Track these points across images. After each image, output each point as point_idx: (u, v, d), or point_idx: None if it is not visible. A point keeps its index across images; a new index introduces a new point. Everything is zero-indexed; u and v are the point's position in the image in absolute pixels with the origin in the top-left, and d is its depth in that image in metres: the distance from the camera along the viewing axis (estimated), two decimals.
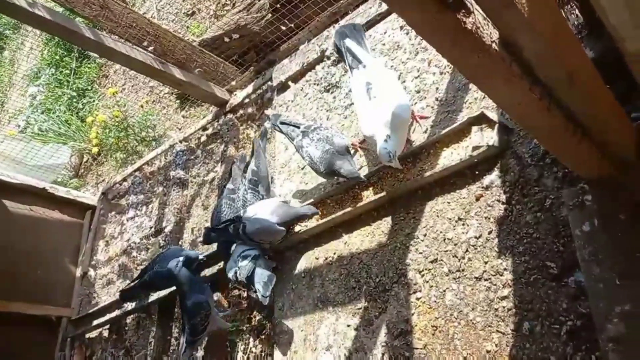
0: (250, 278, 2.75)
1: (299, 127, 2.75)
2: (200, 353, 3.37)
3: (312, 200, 2.84)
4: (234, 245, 2.94)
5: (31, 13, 3.01)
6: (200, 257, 3.23)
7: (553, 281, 1.90)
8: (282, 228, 2.75)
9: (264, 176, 3.08)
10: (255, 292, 2.72)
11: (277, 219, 2.75)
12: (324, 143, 2.57)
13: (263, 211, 2.79)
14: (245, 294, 3.32)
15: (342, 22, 3.17)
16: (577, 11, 2.23)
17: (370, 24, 3.00)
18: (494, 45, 1.16)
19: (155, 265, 3.41)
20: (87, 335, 4.44)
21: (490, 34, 1.15)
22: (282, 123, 2.85)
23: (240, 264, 2.78)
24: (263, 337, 3.14)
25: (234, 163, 3.39)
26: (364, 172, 2.58)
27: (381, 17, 2.93)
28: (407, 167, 2.47)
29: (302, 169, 3.08)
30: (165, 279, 3.36)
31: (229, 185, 3.21)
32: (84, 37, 3.25)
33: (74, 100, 6.65)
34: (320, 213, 2.79)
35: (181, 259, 3.15)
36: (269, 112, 3.65)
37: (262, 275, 2.72)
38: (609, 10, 1.05)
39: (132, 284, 3.63)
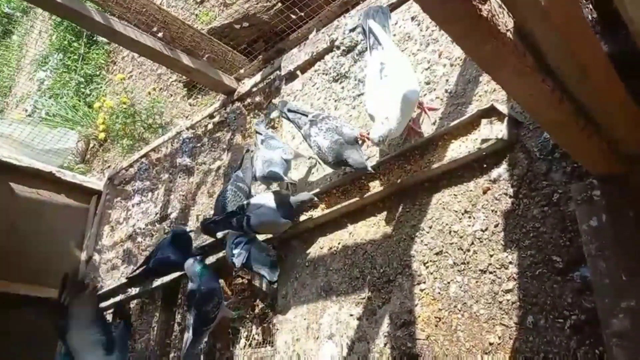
0: (247, 264, 2.76)
1: (306, 116, 2.73)
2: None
3: (318, 190, 2.84)
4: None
5: None
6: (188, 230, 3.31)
7: (558, 275, 1.90)
8: (287, 220, 2.76)
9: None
10: (262, 277, 2.73)
11: (282, 212, 2.75)
12: (332, 133, 2.56)
13: (267, 204, 2.79)
14: (247, 282, 3.34)
15: (353, 12, 3.15)
16: (590, 5, 2.21)
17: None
18: (508, 33, 1.15)
19: (157, 252, 3.42)
20: None
21: (506, 22, 1.14)
22: (289, 110, 2.83)
23: (234, 251, 2.78)
24: (265, 325, 3.16)
25: (247, 151, 3.38)
26: (371, 163, 2.57)
27: (392, 7, 2.91)
28: (414, 158, 2.46)
29: (309, 158, 3.08)
30: (169, 266, 3.38)
31: (239, 173, 3.19)
32: (94, 21, 3.25)
33: (82, 86, 6.66)
34: (317, 199, 2.79)
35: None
36: (276, 100, 3.65)
37: (259, 259, 2.73)
38: (628, 4, 1.04)
39: (137, 271, 3.65)
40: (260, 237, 3.06)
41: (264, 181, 2.98)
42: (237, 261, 2.69)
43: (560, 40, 1.19)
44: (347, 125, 2.64)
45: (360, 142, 2.70)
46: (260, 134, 3.00)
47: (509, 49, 1.17)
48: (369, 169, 2.48)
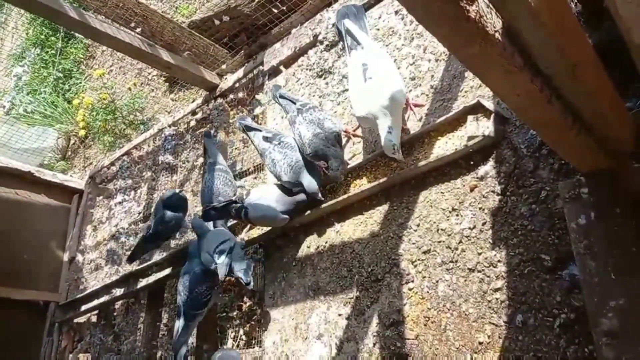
0: (230, 273, 2.72)
1: (295, 103, 2.70)
2: (190, 339, 3.35)
3: None
4: (208, 233, 2.88)
5: None
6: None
7: (547, 274, 1.89)
8: (286, 217, 2.70)
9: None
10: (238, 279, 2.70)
11: (282, 207, 2.70)
12: (314, 125, 2.53)
13: (267, 197, 2.73)
14: (234, 280, 3.30)
15: (336, 6, 3.09)
16: None
17: (365, 8, 2.92)
18: (497, 34, 1.11)
19: (156, 216, 3.35)
20: (75, 321, 4.41)
21: (494, 22, 1.10)
22: (281, 96, 2.79)
23: (218, 260, 2.72)
24: (253, 323, 3.12)
25: (207, 136, 3.37)
26: (357, 161, 2.53)
27: (375, 1, 2.86)
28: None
29: None
30: (171, 223, 3.31)
31: (220, 162, 3.12)
32: (68, 18, 3.13)
33: (60, 81, 6.50)
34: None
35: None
36: (259, 96, 3.59)
37: (240, 265, 2.68)
38: (618, 1, 1.01)
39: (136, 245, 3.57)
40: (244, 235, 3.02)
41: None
42: (221, 272, 2.65)
43: (550, 39, 1.15)
44: (330, 118, 2.59)
45: (345, 138, 2.66)
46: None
47: (498, 50, 1.13)
48: (340, 174, 2.53)
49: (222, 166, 3.16)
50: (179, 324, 2.88)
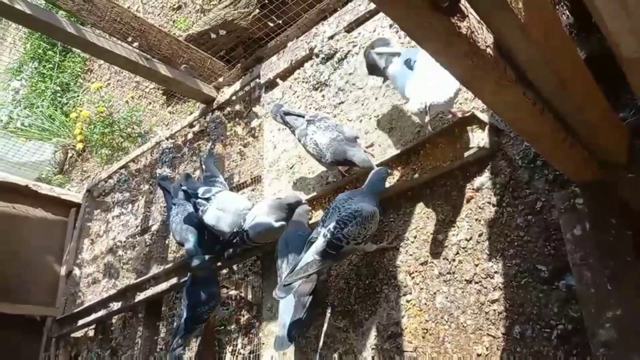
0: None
1: (303, 117, 2.69)
2: (189, 354, 3.33)
3: (314, 194, 2.78)
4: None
5: (10, 7, 2.91)
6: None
7: (544, 284, 1.89)
8: (281, 223, 2.70)
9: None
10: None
11: (274, 216, 2.70)
12: (332, 131, 2.51)
13: (260, 214, 2.75)
14: (233, 293, 3.29)
15: (331, 20, 3.12)
16: (567, 11, 2.21)
17: (359, 22, 2.96)
18: (488, 49, 1.12)
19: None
20: (72, 335, 4.37)
21: (485, 38, 1.12)
22: (285, 113, 2.76)
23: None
24: (251, 336, 3.10)
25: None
26: (353, 174, 2.54)
27: (370, 15, 2.89)
28: (397, 167, 2.44)
29: (291, 168, 3.04)
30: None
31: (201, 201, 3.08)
32: (66, 33, 3.16)
33: (58, 95, 6.51)
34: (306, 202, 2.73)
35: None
36: (256, 109, 3.61)
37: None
38: (606, 16, 1.03)
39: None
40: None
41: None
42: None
43: (541, 54, 1.17)
44: (347, 125, 2.60)
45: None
46: (302, 117, 2.72)
47: (490, 64, 1.15)
48: (375, 167, 2.39)
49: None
50: (180, 330, 2.92)
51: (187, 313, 2.89)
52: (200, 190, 2.92)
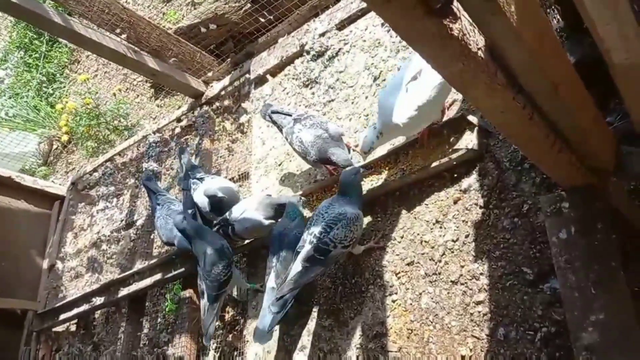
0: None
1: (290, 115, 2.68)
2: (172, 350, 3.30)
3: (300, 192, 2.77)
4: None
5: None
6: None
7: (529, 287, 1.90)
8: (271, 221, 2.68)
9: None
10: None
11: (264, 214, 2.68)
12: (317, 128, 2.51)
13: (249, 209, 2.72)
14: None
15: (323, 17, 3.10)
16: (558, 15, 2.22)
17: (351, 20, 2.95)
18: (479, 52, 1.12)
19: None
20: (53, 330, 4.31)
21: (477, 41, 1.11)
22: (273, 112, 2.75)
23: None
24: (236, 333, 3.09)
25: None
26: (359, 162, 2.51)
27: (362, 13, 2.88)
28: (386, 167, 2.43)
29: (280, 164, 3.02)
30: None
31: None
32: (52, 22, 3.10)
33: (44, 85, 6.41)
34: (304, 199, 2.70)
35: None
36: (245, 105, 3.58)
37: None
38: (598, 22, 1.03)
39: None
40: None
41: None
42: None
43: (532, 58, 1.17)
44: (333, 123, 2.59)
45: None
46: (290, 115, 2.72)
47: (481, 67, 1.14)
48: (354, 164, 2.40)
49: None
50: (204, 305, 2.73)
51: (205, 280, 2.68)
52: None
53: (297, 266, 2.24)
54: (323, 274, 2.59)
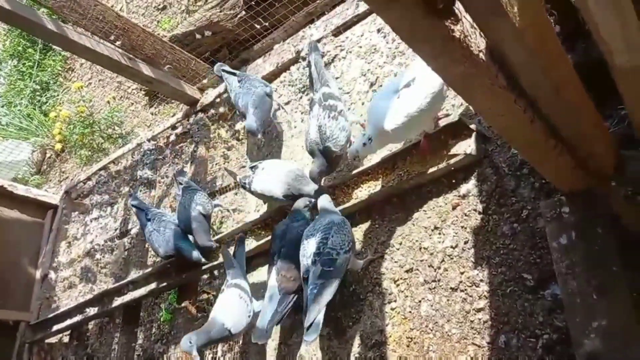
0: None
1: (235, 75, 3.06)
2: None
3: None
4: None
5: None
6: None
7: (529, 293, 1.88)
8: (283, 199, 2.60)
9: None
10: None
11: (283, 190, 2.58)
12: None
13: (274, 173, 2.63)
14: (213, 297, 3.22)
15: (318, 23, 3.10)
16: (553, 20, 2.22)
17: (347, 26, 2.94)
18: (481, 54, 1.11)
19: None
20: (46, 341, 4.24)
21: (478, 43, 1.10)
22: (224, 70, 3.09)
23: None
24: (232, 343, 3.04)
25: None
26: (340, 178, 2.50)
27: (358, 19, 2.87)
28: (384, 173, 2.41)
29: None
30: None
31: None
32: (46, 30, 3.07)
33: (37, 93, 6.36)
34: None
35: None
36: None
37: None
38: (601, 24, 1.01)
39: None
40: None
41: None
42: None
43: (534, 60, 1.15)
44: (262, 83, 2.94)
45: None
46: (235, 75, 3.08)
47: (482, 70, 1.13)
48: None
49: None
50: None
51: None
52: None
53: (311, 289, 2.14)
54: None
